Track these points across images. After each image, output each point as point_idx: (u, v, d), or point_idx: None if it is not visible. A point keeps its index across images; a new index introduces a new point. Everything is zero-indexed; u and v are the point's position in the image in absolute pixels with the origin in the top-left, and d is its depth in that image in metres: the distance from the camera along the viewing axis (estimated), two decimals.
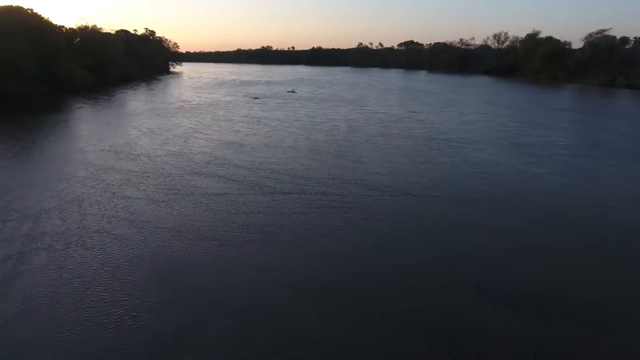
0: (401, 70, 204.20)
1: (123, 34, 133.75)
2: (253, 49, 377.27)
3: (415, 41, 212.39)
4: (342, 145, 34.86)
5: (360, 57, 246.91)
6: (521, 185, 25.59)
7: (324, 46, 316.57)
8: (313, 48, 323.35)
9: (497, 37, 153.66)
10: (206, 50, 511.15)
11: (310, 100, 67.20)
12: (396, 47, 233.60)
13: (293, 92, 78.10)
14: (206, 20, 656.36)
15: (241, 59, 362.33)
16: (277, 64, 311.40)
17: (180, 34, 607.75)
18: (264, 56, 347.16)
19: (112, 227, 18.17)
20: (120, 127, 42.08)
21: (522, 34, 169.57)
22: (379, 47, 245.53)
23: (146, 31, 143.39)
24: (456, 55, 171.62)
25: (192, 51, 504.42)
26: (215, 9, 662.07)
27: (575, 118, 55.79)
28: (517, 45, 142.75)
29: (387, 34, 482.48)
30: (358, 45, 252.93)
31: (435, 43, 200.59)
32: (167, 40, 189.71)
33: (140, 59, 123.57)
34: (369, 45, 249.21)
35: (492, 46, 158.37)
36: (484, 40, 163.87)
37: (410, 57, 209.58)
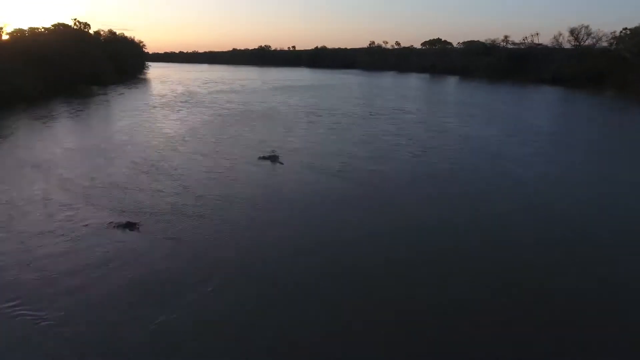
0: (424, 76, 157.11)
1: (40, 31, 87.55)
2: (250, 48, 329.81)
3: (443, 39, 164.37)
4: None
5: (372, 59, 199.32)
6: None
7: (329, 45, 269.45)
8: (316, 48, 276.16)
9: (574, 32, 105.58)
10: (201, 50, 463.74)
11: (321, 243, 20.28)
12: (416, 47, 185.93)
13: (274, 159, 30.98)
14: (201, 18, 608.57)
15: (237, 60, 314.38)
16: (276, 66, 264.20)
17: (172, 33, 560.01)
18: (262, 57, 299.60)
19: None
20: None
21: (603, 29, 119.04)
22: (395, 47, 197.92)
23: (75, 23, 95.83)
24: (506, 56, 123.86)
25: (185, 51, 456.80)
26: (210, 6, 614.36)
27: None
28: (613, 45, 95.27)
29: (404, 31, 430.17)
30: (369, 45, 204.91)
31: (468, 42, 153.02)
32: (128, 37, 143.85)
33: (63, 66, 77.65)
34: (383, 45, 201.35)
35: (566, 45, 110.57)
36: (555, 38, 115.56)
37: (436, 58, 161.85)
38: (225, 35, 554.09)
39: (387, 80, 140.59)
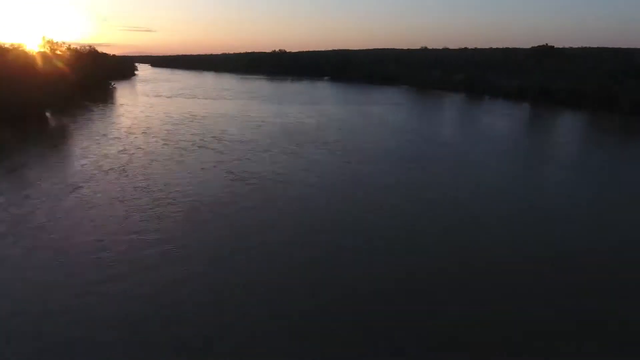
0: (524, 108, 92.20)
1: None
2: (266, 51, 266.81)
3: (551, 45, 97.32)
4: None
5: (424, 73, 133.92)
6: None
7: (357, 47, 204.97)
8: (341, 52, 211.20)
9: None
10: (216, 52, 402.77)
11: None
12: (491, 49, 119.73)
13: None
14: (218, 19, 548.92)
15: (250, 67, 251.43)
16: (294, 76, 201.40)
17: (187, 34, 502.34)
18: (277, 61, 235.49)
19: None
20: None
21: None
22: (461, 49, 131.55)
23: None
24: None
25: (198, 53, 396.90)
26: (226, 8, 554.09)
27: None
28: None
29: (472, 30, 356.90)
30: (422, 49, 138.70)
31: (612, 50, 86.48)
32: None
33: None
34: (441, 48, 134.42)
35: None
36: None
37: (544, 76, 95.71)
38: (242, 33, 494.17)
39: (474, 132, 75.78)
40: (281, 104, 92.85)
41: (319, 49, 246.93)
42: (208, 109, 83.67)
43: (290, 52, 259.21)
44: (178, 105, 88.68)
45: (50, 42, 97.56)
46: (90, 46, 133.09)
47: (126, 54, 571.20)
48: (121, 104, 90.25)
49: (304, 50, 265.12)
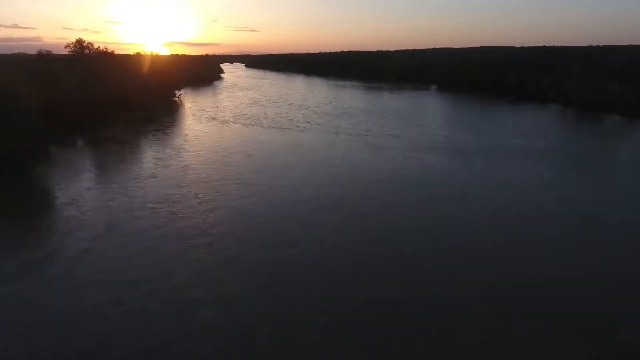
0: None
1: None
2: (362, 50, 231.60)
3: None
4: None
5: (593, 83, 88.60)
6: None
7: (467, 44, 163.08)
8: (447, 51, 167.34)
9: None
10: (312, 50, 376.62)
11: None
12: None
13: None
14: (318, 18, 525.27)
15: (343, 70, 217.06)
16: (391, 82, 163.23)
17: (287, 33, 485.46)
18: (374, 62, 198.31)
19: None
20: None
21: None
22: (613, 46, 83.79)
23: None
24: None
25: (296, 52, 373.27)
26: (327, 6, 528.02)
27: None
28: None
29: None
30: (586, 47, 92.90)
31: None
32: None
33: None
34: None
35: None
36: None
37: None
38: (339, 31, 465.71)
39: None
40: (385, 148, 56.03)
41: (420, 48, 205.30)
42: (261, 157, 50.64)
43: (388, 51, 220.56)
44: (224, 145, 57.05)
45: (80, 43, 72.08)
46: (150, 51, 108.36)
47: (231, 54, 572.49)
48: (142, 140, 61.07)
49: (404, 48, 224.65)
